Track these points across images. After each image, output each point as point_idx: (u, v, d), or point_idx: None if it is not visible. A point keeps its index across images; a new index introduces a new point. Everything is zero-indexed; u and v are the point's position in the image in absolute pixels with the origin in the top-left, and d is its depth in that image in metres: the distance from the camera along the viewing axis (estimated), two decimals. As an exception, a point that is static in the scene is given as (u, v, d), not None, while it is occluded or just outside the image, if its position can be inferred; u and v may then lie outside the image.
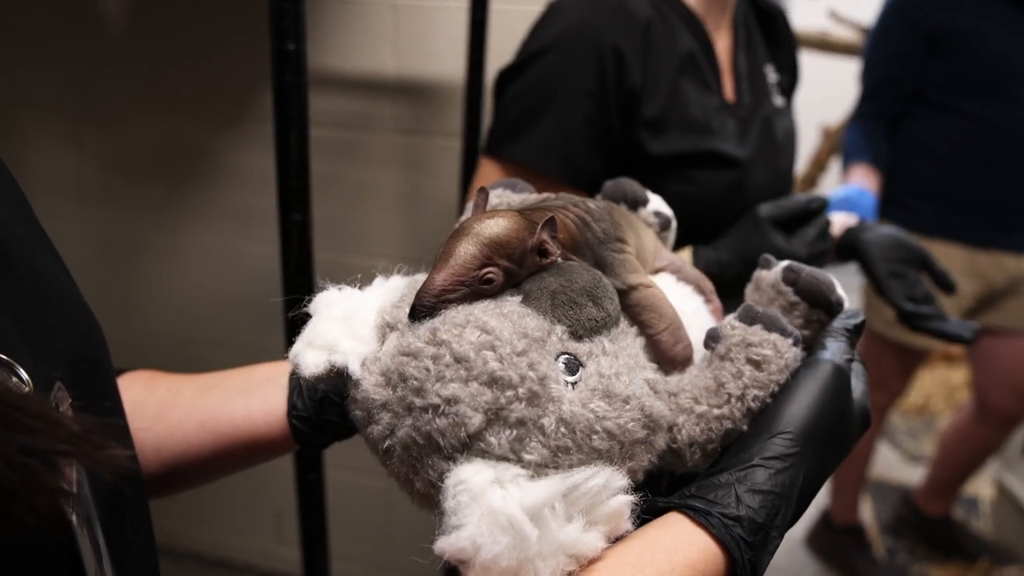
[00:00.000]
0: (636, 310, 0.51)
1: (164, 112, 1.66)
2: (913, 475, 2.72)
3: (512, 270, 0.46)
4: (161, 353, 1.83)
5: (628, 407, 0.44)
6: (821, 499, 2.43)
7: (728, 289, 0.72)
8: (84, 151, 1.74)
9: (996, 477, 2.47)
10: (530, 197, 0.60)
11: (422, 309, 0.45)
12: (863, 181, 1.96)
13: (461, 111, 1.43)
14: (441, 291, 0.44)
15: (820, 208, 0.94)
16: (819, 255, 0.93)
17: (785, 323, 0.50)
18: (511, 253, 0.46)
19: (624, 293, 0.51)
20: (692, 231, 0.95)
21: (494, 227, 0.46)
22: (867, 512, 2.51)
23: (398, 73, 1.51)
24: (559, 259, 0.49)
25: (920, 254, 1.01)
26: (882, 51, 1.98)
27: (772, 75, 1.12)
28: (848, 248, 1.04)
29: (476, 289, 0.45)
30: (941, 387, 3.27)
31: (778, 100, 1.11)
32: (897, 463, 2.85)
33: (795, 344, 0.50)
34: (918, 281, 0.99)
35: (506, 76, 1.01)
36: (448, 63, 1.47)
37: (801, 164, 2.67)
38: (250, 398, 0.60)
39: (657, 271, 0.60)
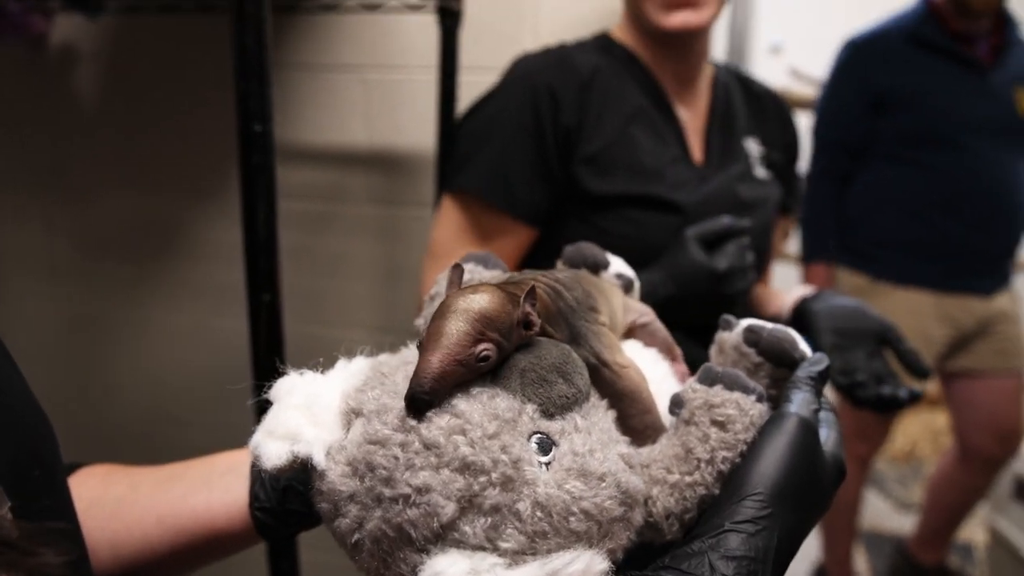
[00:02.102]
0: (610, 392, 0.50)
1: (134, 188, 1.66)
2: (905, 524, 2.69)
3: (503, 345, 0.44)
4: (132, 433, 1.78)
5: (604, 484, 0.43)
6: (815, 554, 2.39)
7: (661, 312, 0.73)
8: (53, 228, 1.73)
9: (989, 522, 2.44)
10: (501, 275, 0.59)
11: (424, 397, 0.41)
12: (821, 283, 2.02)
13: (433, 181, 1.44)
14: (440, 374, 0.41)
15: (742, 229, 0.99)
16: (740, 271, 0.97)
17: (746, 380, 0.49)
18: (500, 327, 0.43)
19: (597, 368, 0.50)
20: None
21: (481, 301, 0.43)
22: (862, 564, 2.47)
23: (370, 145, 1.52)
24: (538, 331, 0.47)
25: (880, 329, 0.99)
26: (833, 110, 2.06)
27: (755, 147, 1.15)
28: (799, 318, 1.04)
29: (474, 368, 0.42)
30: (927, 432, 3.26)
31: (760, 171, 1.14)
32: (888, 512, 2.82)
33: (759, 400, 0.48)
34: (874, 355, 0.97)
35: (461, 119, 1.11)
36: (419, 134, 1.49)
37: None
38: (211, 490, 0.58)
39: (627, 334, 0.59)
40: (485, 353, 0.43)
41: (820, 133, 2.09)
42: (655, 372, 0.56)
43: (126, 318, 1.74)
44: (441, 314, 0.43)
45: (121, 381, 1.78)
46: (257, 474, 0.57)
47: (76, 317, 1.76)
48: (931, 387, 3.13)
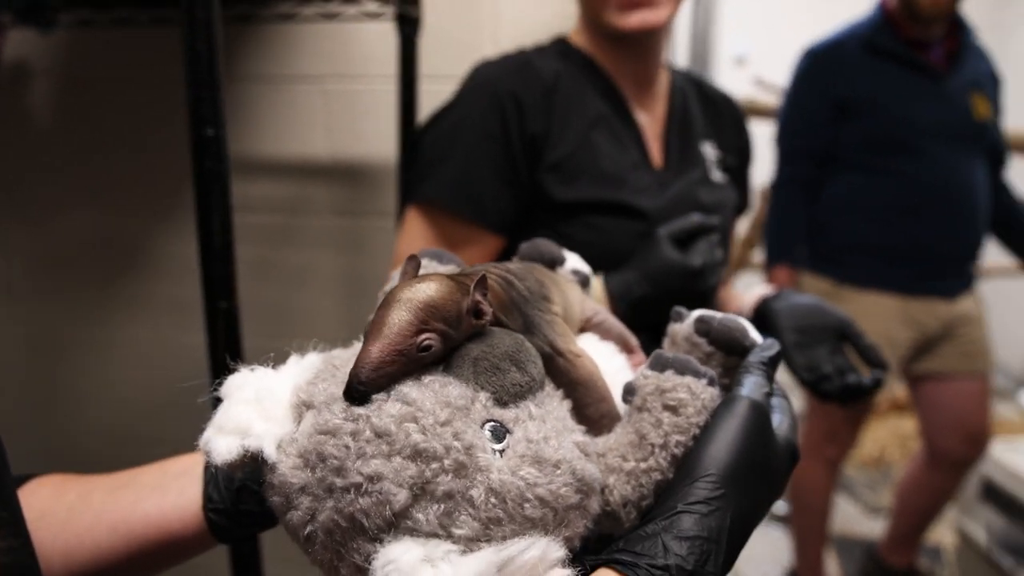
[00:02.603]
0: (565, 381, 0.51)
1: (91, 205, 1.64)
2: (875, 528, 2.72)
3: (449, 334, 0.45)
4: (96, 452, 1.75)
5: (559, 472, 0.43)
6: (786, 558, 2.41)
7: (637, 311, 0.72)
8: (8, 247, 1.70)
9: (957, 524, 2.49)
10: (455, 269, 0.60)
11: (360, 387, 0.42)
12: (784, 285, 2.06)
13: (395, 191, 1.44)
14: (379, 364, 0.42)
15: (711, 227, 1.00)
16: (712, 267, 0.98)
17: (696, 365, 0.50)
18: (447, 316, 0.44)
19: (551, 358, 0.51)
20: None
21: (427, 291, 0.44)
22: (833, 569, 2.49)
23: (331, 156, 1.52)
24: (490, 321, 0.48)
25: (840, 325, 1.01)
26: (795, 120, 2.11)
27: (711, 151, 1.17)
28: (760, 317, 1.06)
29: (415, 358, 0.43)
30: (894, 437, 3.31)
31: (716, 175, 1.17)
32: (858, 516, 2.85)
33: (710, 384, 0.50)
34: (836, 351, 1.00)
35: (423, 129, 1.11)
36: (380, 144, 1.49)
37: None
38: (164, 494, 0.57)
39: (582, 329, 0.60)
40: (427, 343, 0.43)
41: (784, 141, 2.13)
42: (611, 364, 0.57)
43: (88, 337, 1.71)
44: (386, 304, 0.44)
45: (84, 401, 1.75)
46: (211, 475, 0.57)
47: (35, 337, 1.73)
48: (898, 392, 3.19)
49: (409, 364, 0.43)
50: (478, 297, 0.46)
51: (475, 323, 0.46)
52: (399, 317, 0.43)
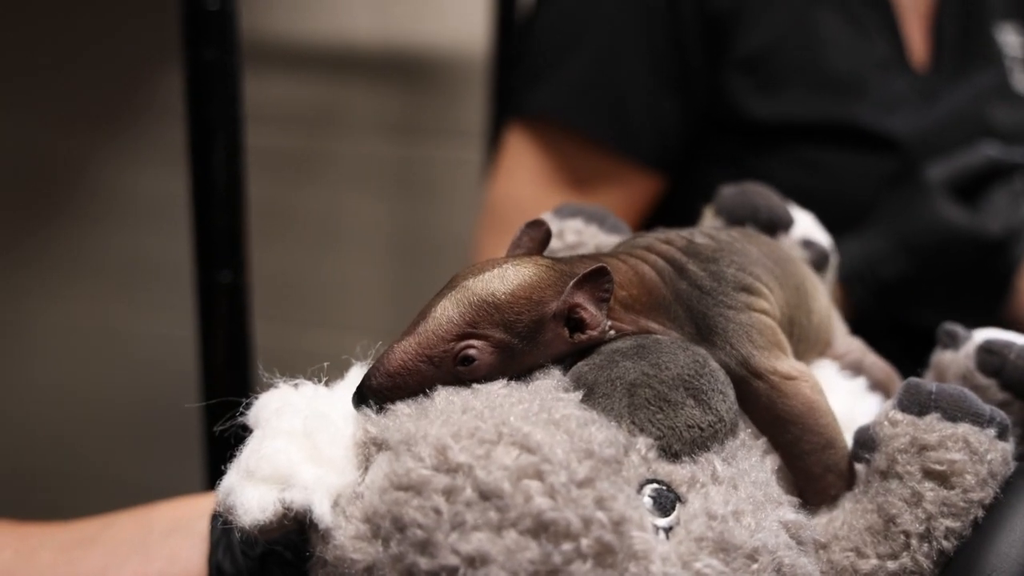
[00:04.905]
0: (767, 418, 0.51)
1: (11, 120, 1.70)
2: None
3: (511, 347, 0.47)
4: (6, 483, 1.83)
5: (757, 566, 0.44)
6: None
7: (885, 302, 0.70)
8: None
9: None
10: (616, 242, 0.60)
11: (368, 393, 0.47)
12: None
13: (486, 100, 1.45)
14: (398, 369, 0.47)
15: (1016, 167, 0.96)
16: (1018, 232, 0.95)
17: (978, 403, 0.49)
18: (512, 322, 0.47)
19: (744, 381, 0.51)
20: None
21: (496, 280, 0.48)
22: None
23: (383, 42, 1.53)
24: (608, 333, 0.49)
25: None
26: None
27: (1014, 41, 1.14)
28: None
29: (449, 371, 0.47)
30: None
31: (1022, 80, 1.14)
32: None
33: (1000, 436, 0.49)
34: None
35: (536, 6, 1.11)
36: (462, 24, 1.50)
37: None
38: (147, 558, 0.60)
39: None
40: (468, 354, 0.47)
41: None
42: (858, 409, 0.56)
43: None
44: (441, 291, 0.48)
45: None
46: (222, 535, 0.60)
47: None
48: None
49: (438, 377, 0.47)
50: (577, 300, 0.48)
51: (576, 340, 0.48)
52: (444, 313, 0.47)
